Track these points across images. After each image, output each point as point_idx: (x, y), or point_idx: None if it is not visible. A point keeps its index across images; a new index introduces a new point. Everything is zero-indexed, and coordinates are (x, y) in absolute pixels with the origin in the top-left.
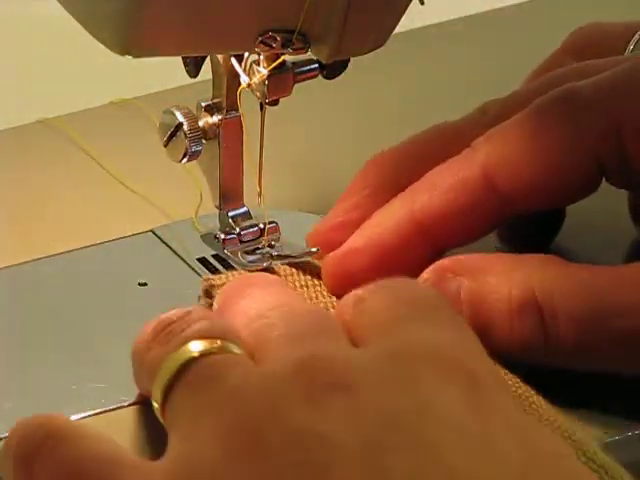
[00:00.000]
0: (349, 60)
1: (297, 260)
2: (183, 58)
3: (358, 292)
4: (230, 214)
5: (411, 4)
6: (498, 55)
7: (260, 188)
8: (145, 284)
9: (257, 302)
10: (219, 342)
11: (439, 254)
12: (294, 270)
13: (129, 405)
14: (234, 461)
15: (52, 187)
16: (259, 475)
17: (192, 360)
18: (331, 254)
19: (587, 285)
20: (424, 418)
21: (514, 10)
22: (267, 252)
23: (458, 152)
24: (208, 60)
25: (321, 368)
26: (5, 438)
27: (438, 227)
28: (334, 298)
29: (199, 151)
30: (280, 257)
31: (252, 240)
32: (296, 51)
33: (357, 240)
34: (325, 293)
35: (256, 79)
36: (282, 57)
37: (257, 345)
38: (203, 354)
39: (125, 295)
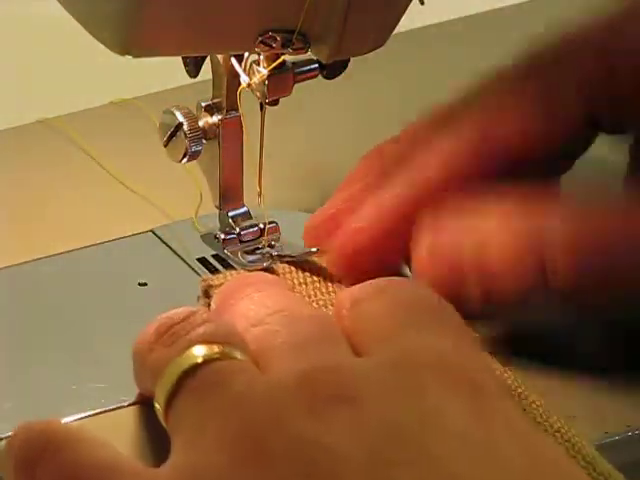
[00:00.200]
0: (349, 60)
1: (297, 260)
2: (183, 58)
3: (354, 293)
4: (230, 214)
5: (411, 4)
6: (498, 55)
7: (260, 188)
8: (145, 284)
9: (255, 304)
10: (223, 347)
11: None
12: (292, 268)
13: (129, 405)
14: (239, 468)
15: (52, 187)
16: None
17: (196, 366)
18: (339, 232)
19: (587, 222)
20: (428, 429)
21: (514, 10)
22: (267, 252)
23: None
24: (208, 60)
25: (325, 380)
26: (6, 438)
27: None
28: (333, 295)
29: (199, 151)
30: (280, 257)
31: (252, 240)
32: (296, 51)
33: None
34: (324, 290)
35: (256, 79)
36: (282, 57)
37: (260, 351)
38: (207, 360)
39: (125, 295)
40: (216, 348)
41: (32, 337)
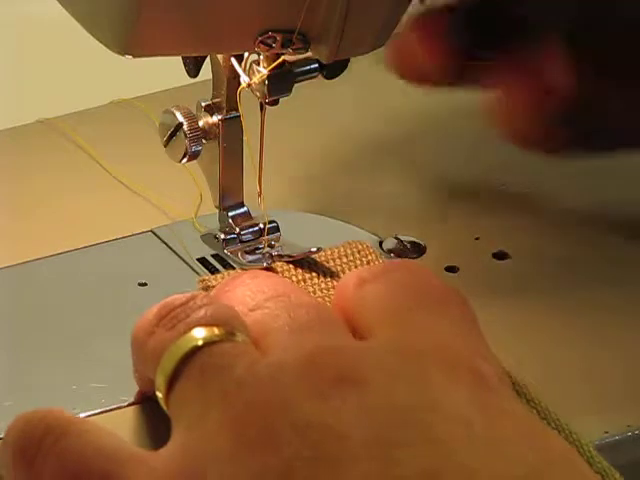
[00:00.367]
0: (349, 60)
1: (296, 259)
2: (183, 58)
3: (361, 274)
4: (230, 214)
5: (411, 4)
6: None
7: (260, 188)
8: (145, 284)
9: (252, 290)
10: (223, 329)
11: None
12: (291, 266)
13: (129, 405)
14: (244, 452)
15: (52, 187)
16: (269, 466)
17: (197, 348)
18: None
19: None
20: (431, 413)
21: None
22: (267, 252)
23: None
24: (208, 60)
25: (329, 362)
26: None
27: None
28: (331, 292)
29: (199, 151)
30: (280, 257)
31: (252, 240)
32: (296, 51)
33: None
34: (323, 287)
35: (256, 79)
36: (282, 57)
37: (260, 334)
38: (208, 342)
39: (125, 295)
40: (216, 330)
41: (32, 337)
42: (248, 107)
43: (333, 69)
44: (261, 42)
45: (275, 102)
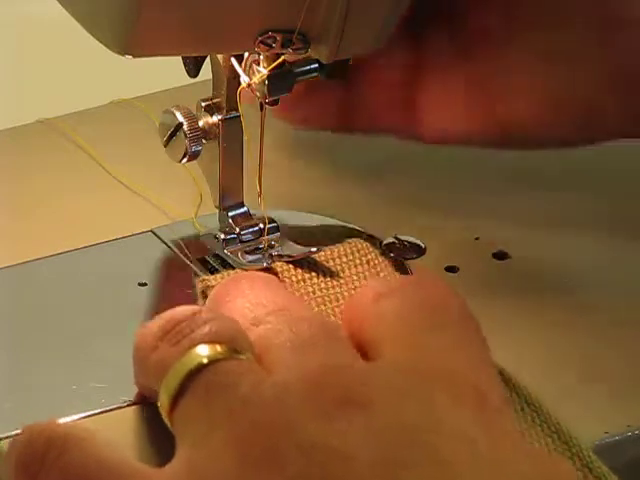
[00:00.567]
0: (349, 60)
1: (296, 259)
2: (183, 58)
3: (377, 288)
4: (230, 214)
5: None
6: None
7: (260, 188)
8: (145, 284)
9: (251, 302)
10: (228, 346)
11: None
12: (290, 266)
13: (129, 405)
14: (250, 471)
15: (52, 187)
16: None
17: (201, 366)
18: None
19: None
20: (439, 436)
21: None
22: (267, 252)
23: None
24: (208, 60)
25: (335, 382)
26: (6, 438)
27: None
28: (331, 291)
29: (199, 151)
30: (280, 257)
31: (252, 240)
32: (296, 51)
33: None
34: (322, 286)
35: (256, 79)
36: (282, 57)
37: (264, 350)
38: (212, 360)
39: (125, 295)
40: (221, 348)
41: (32, 337)
42: (248, 107)
43: (333, 69)
44: (261, 42)
45: (275, 102)
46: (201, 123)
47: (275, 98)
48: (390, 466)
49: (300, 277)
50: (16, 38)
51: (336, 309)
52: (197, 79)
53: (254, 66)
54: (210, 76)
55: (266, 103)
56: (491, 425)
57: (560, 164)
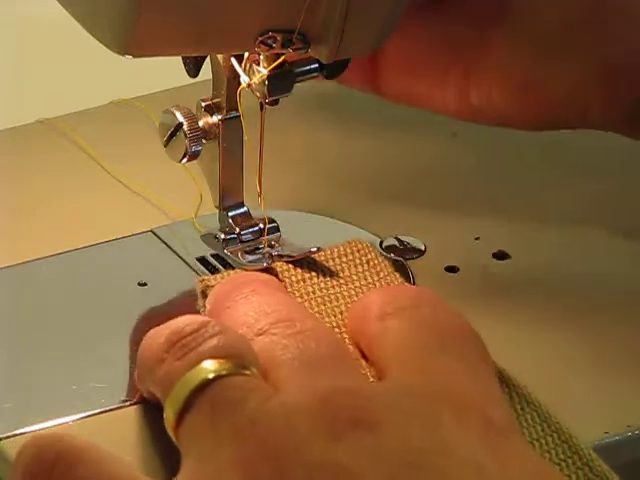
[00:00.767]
0: (349, 60)
1: (296, 259)
2: (183, 58)
3: (384, 306)
4: (230, 214)
5: None
6: None
7: (260, 188)
8: (145, 284)
9: (254, 310)
10: (234, 362)
11: None
12: (290, 266)
13: (129, 405)
14: None
15: (52, 187)
16: None
17: (208, 381)
18: None
19: None
20: (446, 458)
21: None
22: (267, 252)
23: None
24: (208, 60)
25: (344, 404)
26: (6, 438)
27: None
28: (331, 291)
29: (199, 151)
30: (280, 257)
31: (252, 240)
32: (296, 51)
33: None
34: (322, 286)
35: (256, 79)
36: (282, 57)
37: (270, 365)
38: (218, 375)
39: (125, 295)
40: (227, 363)
41: (32, 337)
42: (248, 107)
43: (333, 69)
44: (261, 42)
45: (275, 102)
46: (201, 123)
47: (275, 98)
48: None
49: (300, 277)
50: (16, 38)
51: (336, 309)
52: (197, 79)
53: (254, 66)
54: (210, 76)
55: (266, 103)
56: (498, 448)
57: (560, 164)
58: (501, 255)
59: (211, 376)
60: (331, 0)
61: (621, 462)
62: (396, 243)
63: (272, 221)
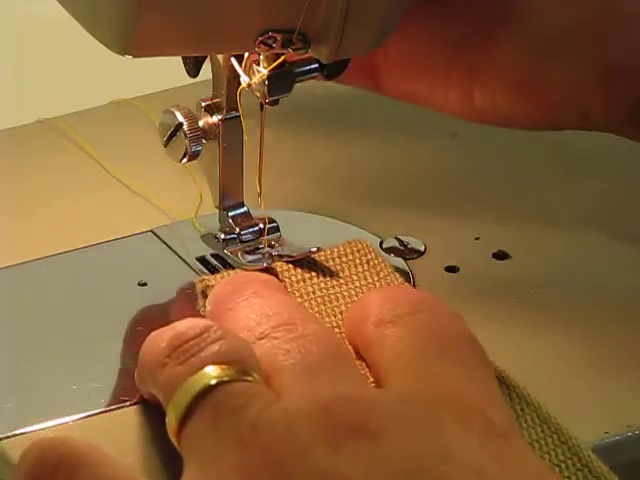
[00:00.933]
0: (349, 60)
1: (296, 259)
2: (183, 58)
3: (382, 314)
4: (230, 214)
5: None
6: None
7: (260, 188)
8: (145, 284)
9: (256, 313)
10: (236, 367)
11: None
12: (290, 266)
13: (129, 405)
14: None
15: (52, 187)
16: None
17: (210, 387)
18: None
19: None
20: (447, 464)
21: None
22: (267, 252)
23: None
24: (208, 60)
25: (345, 412)
26: (6, 438)
27: None
28: (331, 291)
29: (199, 151)
30: (280, 257)
31: (252, 240)
32: (296, 51)
33: None
34: (322, 286)
35: (256, 79)
36: (282, 57)
37: (271, 370)
38: (221, 381)
39: (125, 295)
40: (230, 369)
41: (32, 337)
42: (248, 107)
43: (333, 69)
44: (261, 42)
45: (275, 102)
46: (201, 123)
47: (275, 98)
48: None
49: (300, 277)
50: (16, 38)
51: (336, 309)
52: (197, 79)
53: (254, 66)
54: (210, 76)
55: (266, 103)
56: (499, 450)
57: (561, 164)
58: (501, 255)
59: (213, 382)
60: (331, 0)
61: (621, 462)
62: (396, 243)
63: (272, 221)
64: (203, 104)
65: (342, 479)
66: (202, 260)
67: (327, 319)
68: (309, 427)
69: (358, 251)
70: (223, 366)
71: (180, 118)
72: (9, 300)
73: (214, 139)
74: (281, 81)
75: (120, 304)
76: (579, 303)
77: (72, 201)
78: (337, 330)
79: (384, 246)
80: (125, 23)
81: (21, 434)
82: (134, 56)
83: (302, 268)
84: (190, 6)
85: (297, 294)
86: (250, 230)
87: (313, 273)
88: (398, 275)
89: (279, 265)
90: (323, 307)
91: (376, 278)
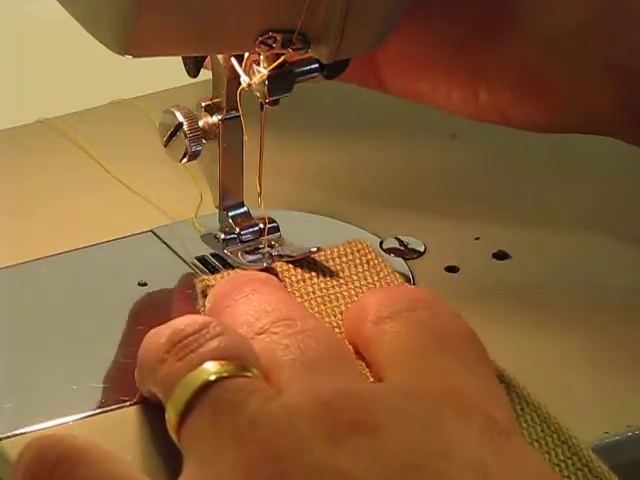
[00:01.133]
0: (349, 60)
1: (296, 259)
2: (183, 58)
3: (380, 311)
4: (230, 214)
5: None
6: None
7: (260, 188)
8: (145, 284)
9: (256, 310)
10: (236, 363)
11: None
12: (290, 266)
13: (129, 405)
14: None
15: (52, 187)
16: None
17: (209, 383)
18: None
19: None
20: (447, 460)
21: None
22: (267, 252)
23: None
24: (208, 60)
25: (344, 407)
26: (6, 438)
27: None
28: (331, 291)
29: (199, 151)
30: (280, 257)
31: (252, 240)
32: (296, 51)
33: None
34: (322, 286)
35: (256, 79)
36: (282, 57)
37: (271, 366)
38: (220, 377)
39: (125, 295)
40: (229, 365)
41: (32, 337)
42: (248, 107)
43: (333, 69)
44: (261, 42)
45: (275, 102)
46: (201, 123)
47: (275, 98)
48: None
49: (300, 277)
50: (16, 38)
51: (336, 309)
52: (197, 79)
53: (254, 66)
54: (210, 76)
55: (266, 103)
56: (500, 447)
57: (561, 164)
58: (501, 255)
59: (213, 378)
60: (331, 0)
61: (621, 462)
62: (396, 243)
63: (272, 221)
64: (203, 104)
65: (342, 474)
66: (202, 260)
67: (327, 319)
68: (309, 422)
69: (358, 251)
70: (222, 362)
71: (180, 118)
72: (9, 300)
73: (214, 139)
74: (281, 81)
75: (120, 304)
76: (579, 303)
77: (72, 201)
78: (337, 330)
79: (384, 246)
80: (125, 23)
81: (21, 434)
82: (134, 56)
83: (302, 268)
84: (190, 6)
85: (297, 294)
86: (250, 230)
87: (313, 273)
88: (398, 275)
89: (279, 265)
90: (323, 307)
91: (376, 278)
